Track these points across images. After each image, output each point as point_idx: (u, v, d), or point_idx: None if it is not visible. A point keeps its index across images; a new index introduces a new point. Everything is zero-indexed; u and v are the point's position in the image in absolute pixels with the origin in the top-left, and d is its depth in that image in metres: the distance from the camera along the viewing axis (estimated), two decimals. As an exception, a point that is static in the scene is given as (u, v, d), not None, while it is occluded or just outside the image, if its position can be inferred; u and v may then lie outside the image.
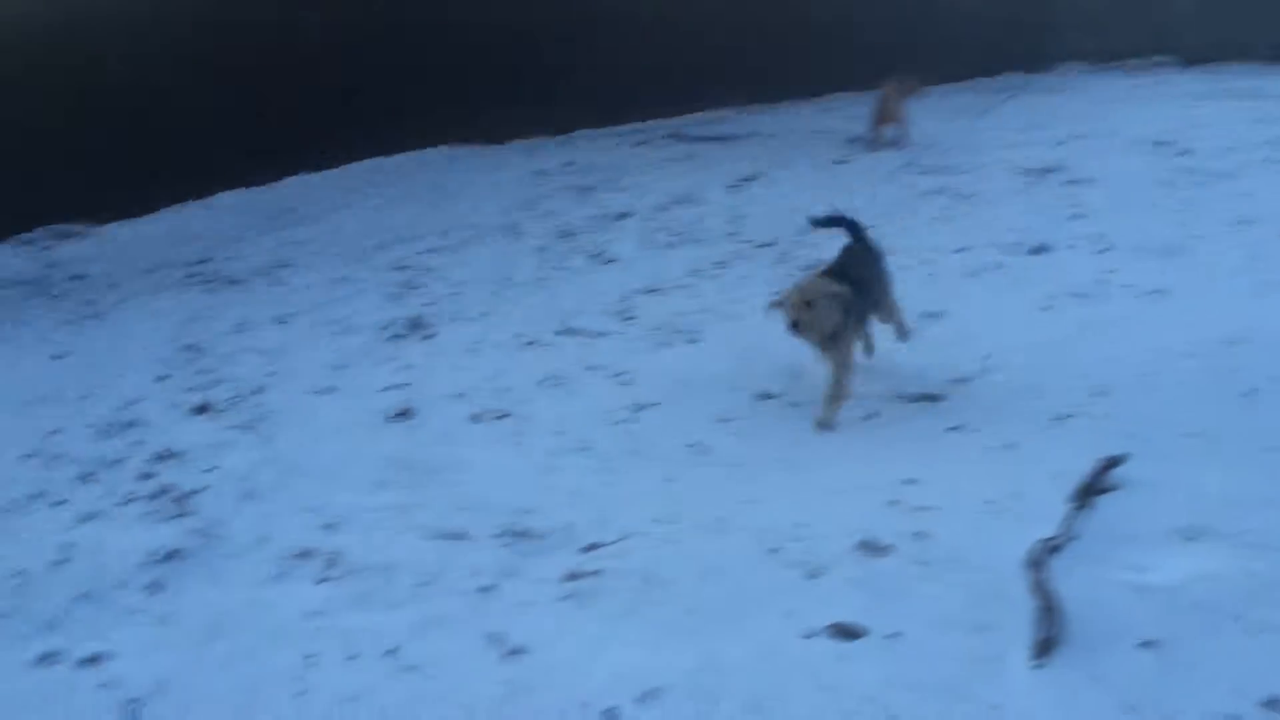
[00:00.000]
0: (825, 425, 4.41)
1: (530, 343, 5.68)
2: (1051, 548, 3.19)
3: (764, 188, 9.24)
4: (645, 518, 3.71)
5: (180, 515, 4.05)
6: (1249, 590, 2.95)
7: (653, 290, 6.40)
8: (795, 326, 4.37)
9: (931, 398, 4.62)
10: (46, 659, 3.22)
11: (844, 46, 16.50)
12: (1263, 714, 2.49)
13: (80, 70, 8.87)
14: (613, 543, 3.57)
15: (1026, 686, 2.68)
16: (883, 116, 10.50)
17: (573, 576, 3.38)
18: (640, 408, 4.73)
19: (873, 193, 8.87)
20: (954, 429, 4.28)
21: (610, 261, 7.08)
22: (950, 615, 2.97)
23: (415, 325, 6.06)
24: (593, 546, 3.55)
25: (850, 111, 14.08)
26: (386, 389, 5.19)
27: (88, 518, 4.11)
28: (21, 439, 4.97)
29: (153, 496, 4.23)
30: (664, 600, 3.22)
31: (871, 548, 3.37)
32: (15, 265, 8.22)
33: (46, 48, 8.79)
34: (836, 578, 3.23)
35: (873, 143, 10.95)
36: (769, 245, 7.29)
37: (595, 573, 3.40)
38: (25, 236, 8.68)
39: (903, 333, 5.12)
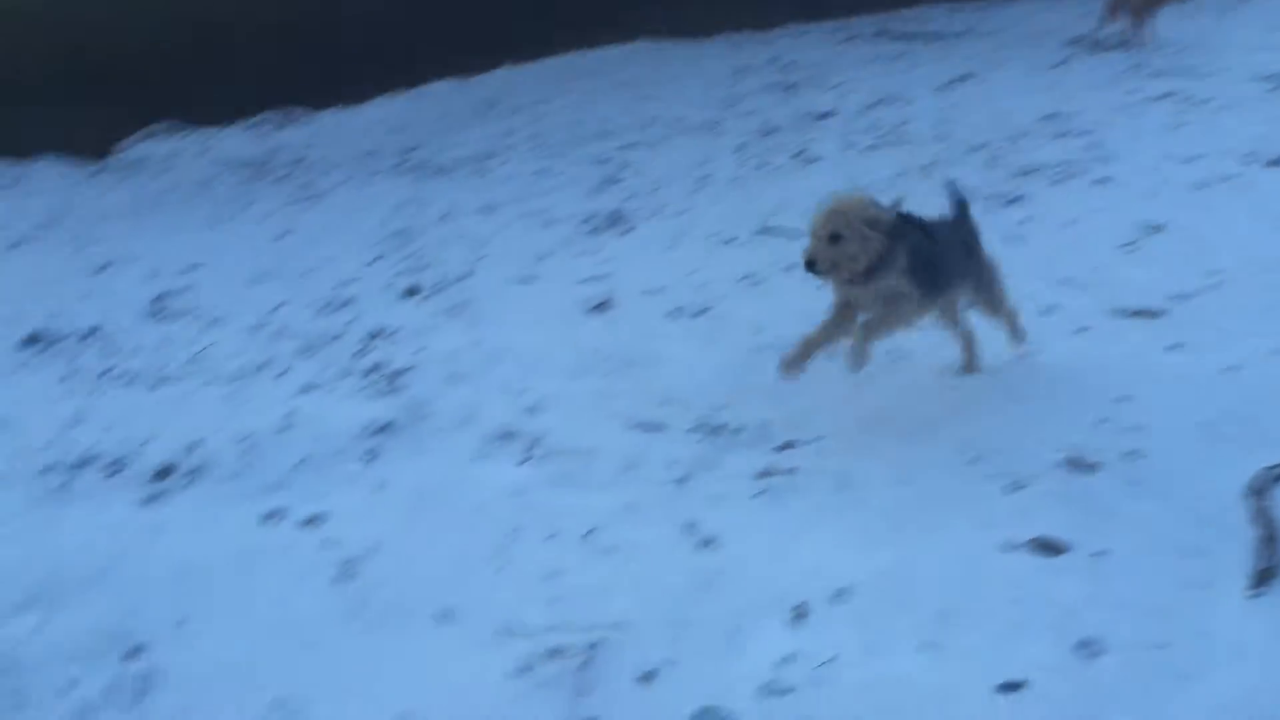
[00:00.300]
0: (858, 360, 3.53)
1: (728, 241, 5.65)
2: (1276, 476, 3.02)
3: (975, 89, 8.86)
4: (843, 420, 3.68)
5: (392, 392, 4.25)
6: None
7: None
8: (812, 266, 3.48)
9: (1150, 313, 4.38)
10: (272, 517, 3.46)
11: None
12: None
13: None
14: (809, 442, 3.57)
15: (1240, 615, 2.56)
16: (1115, 9, 9.69)
17: (768, 473, 3.40)
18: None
19: (1093, 97, 8.39)
20: (1173, 347, 4.06)
21: (812, 162, 6.95)
22: (1160, 538, 2.86)
23: (615, 219, 6.11)
24: (788, 445, 3.56)
25: (1072, 10, 13.27)
26: (586, 280, 5.27)
27: (308, 389, 4.36)
28: (248, 312, 5.29)
29: (366, 373, 4.45)
30: (859, 502, 3.21)
31: (1078, 464, 3.26)
32: (242, 148, 8.68)
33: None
34: (1039, 492, 3.14)
35: (1098, 44, 10.29)
36: (979, 149, 7.01)
37: (790, 470, 3.41)
38: (250, 121, 9.13)
39: (1017, 334, 4.06)
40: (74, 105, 8.51)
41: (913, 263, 3.55)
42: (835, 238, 3.46)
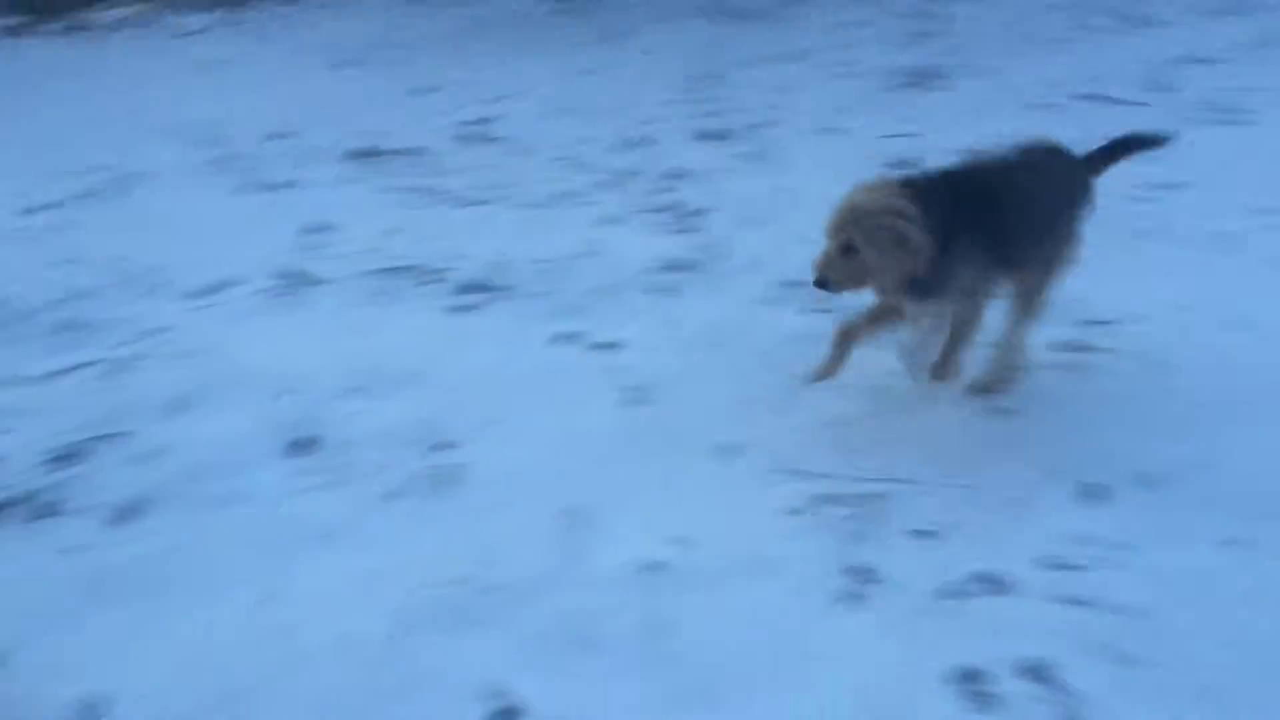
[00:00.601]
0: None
1: (1046, 105, 5.33)
2: None
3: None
4: (1160, 301, 3.46)
5: (687, 230, 4.30)
6: None
7: (1196, 60, 5.74)
8: (823, 284, 2.82)
9: None
10: (569, 338, 3.61)
11: None
12: None
13: None
14: (1120, 323, 3.38)
15: None
16: None
17: (1074, 348, 3.26)
18: (1166, 187, 4.33)
19: None
20: None
21: (1145, 25, 6.40)
22: None
23: (924, 75, 5.86)
24: (1099, 322, 3.39)
25: None
26: (890, 136, 5.11)
27: (608, 221, 4.47)
28: (553, 143, 5.44)
29: (663, 209, 4.52)
30: (1170, 390, 3.03)
31: None
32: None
33: None
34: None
35: None
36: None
37: (1096, 349, 3.25)
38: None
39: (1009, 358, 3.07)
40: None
41: (979, 255, 2.80)
42: (848, 250, 2.78)
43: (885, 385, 3.17)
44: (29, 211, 4.98)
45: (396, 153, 5.53)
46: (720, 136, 5.33)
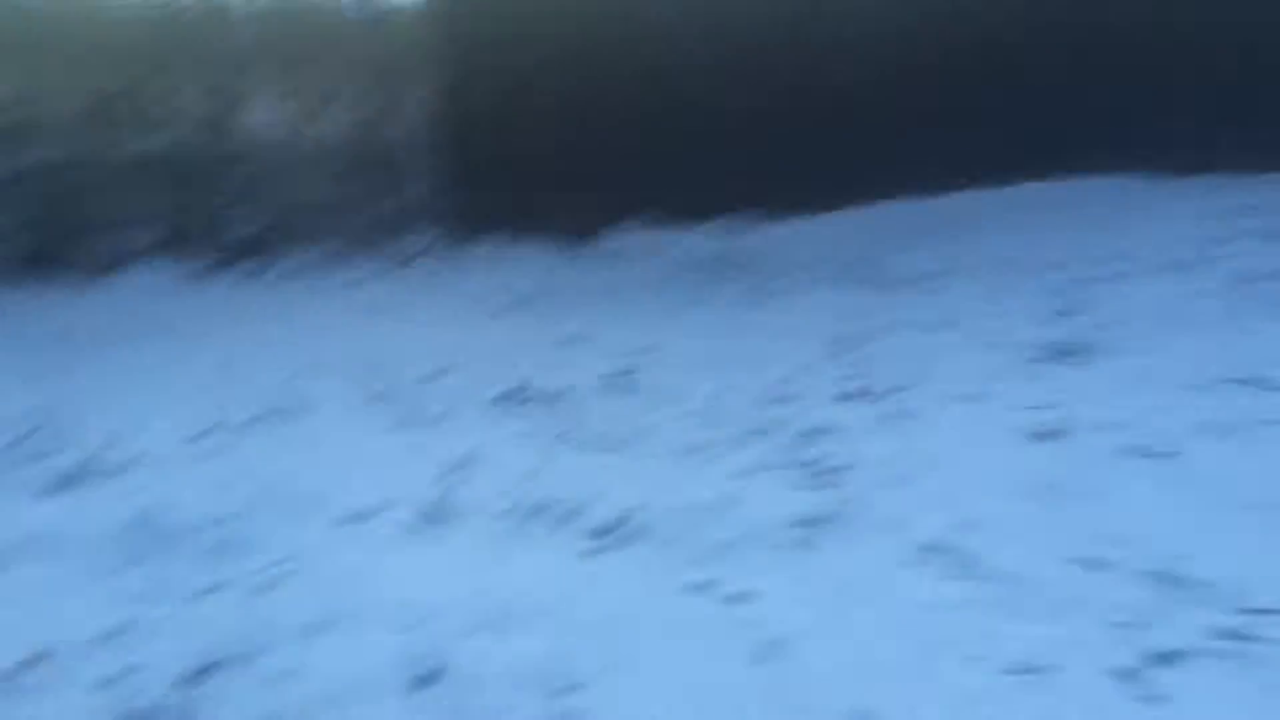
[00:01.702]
0: None
1: (1197, 386, 5.23)
2: None
3: None
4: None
5: (826, 486, 4.29)
6: None
7: None
8: None
9: None
10: (700, 587, 3.58)
11: None
12: None
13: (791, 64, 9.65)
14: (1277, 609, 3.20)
15: None
16: None
17: (1232, 635, 3.08)
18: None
19: None
20: None
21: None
22: None
23: (1067, 350, 5.85)
24: (1263, 611, 3.20)
25: None
26: (1033, 407, 5.07)
27: (746, 472, 4.50)
28: (695, 396, 5.56)
29: (802, 465, 4.53)
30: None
31: None
32: (702, 247, 9.23)
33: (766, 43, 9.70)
34: None
35: None
36: None
37: (1259, 639, 3.06)
38: (712, 224, 9.70)
39: None
40: (567, 189, 9.52)
41: None
42: None
43: (1024, 663, 3.03)
44: (199, 436, 5.27)
45: (542, 398, 5.72)
46: (861, 398, 5.37)
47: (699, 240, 9.46)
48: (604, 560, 3.83)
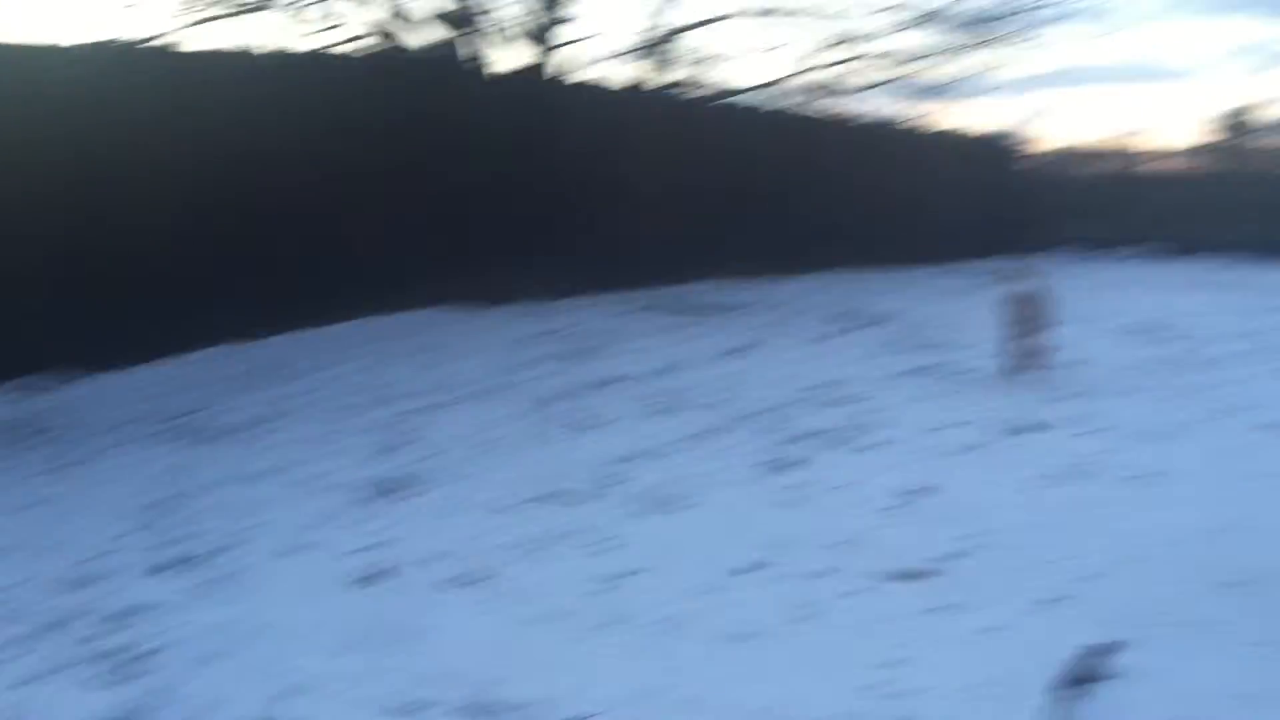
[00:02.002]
0: None
1: (510, 507, 5.57)
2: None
3: (754, 358, 9.31)
4: (621, 692, 3.55)
5: (130, 679, 3.86)
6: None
7: (640, 456, 6.34)
8: None
9: (915, 575, 4.50)
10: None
11: (828, 231, 17.09)
12: None
13: (83, 217, 8.95)
14: (594, 716, 3.41)
15: None
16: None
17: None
18: (620, 576, 4.59)
19: (861, 368, 8.93)
20: (936, 609, 4.15)
21: (598, 427, 7.04)
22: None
23: (392, 487, 5.95)
24: (569, 721, 3.39)
25: (839, 289, 14.33)
26: (360, 550, 5.05)
27: (34, 678, 3.92)
28: (-22, 591, 4.79)
29: (104, 657, 4.05)
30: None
31: (850, 733, 3.22)
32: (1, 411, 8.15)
33: (50, 199, 8.91)
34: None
35: (864, 319, 11.11)
36: (759, 415, 7.28)
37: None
38: (11, 383, 8.63)
39: None
40: None
41: None
42: None
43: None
44: None
45: None
46: (179, 567, 4.98)
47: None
48: None
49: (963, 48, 16.98)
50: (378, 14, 14.56)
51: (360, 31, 14.66)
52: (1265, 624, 3.90)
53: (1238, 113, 30.40)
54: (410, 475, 6.12)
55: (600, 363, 8.89)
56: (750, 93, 17.11)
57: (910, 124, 19.52)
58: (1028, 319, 8.27)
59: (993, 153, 22.66)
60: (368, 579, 4.71)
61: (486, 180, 12.04)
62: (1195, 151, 29.11)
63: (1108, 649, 3.61)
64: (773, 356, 9.35)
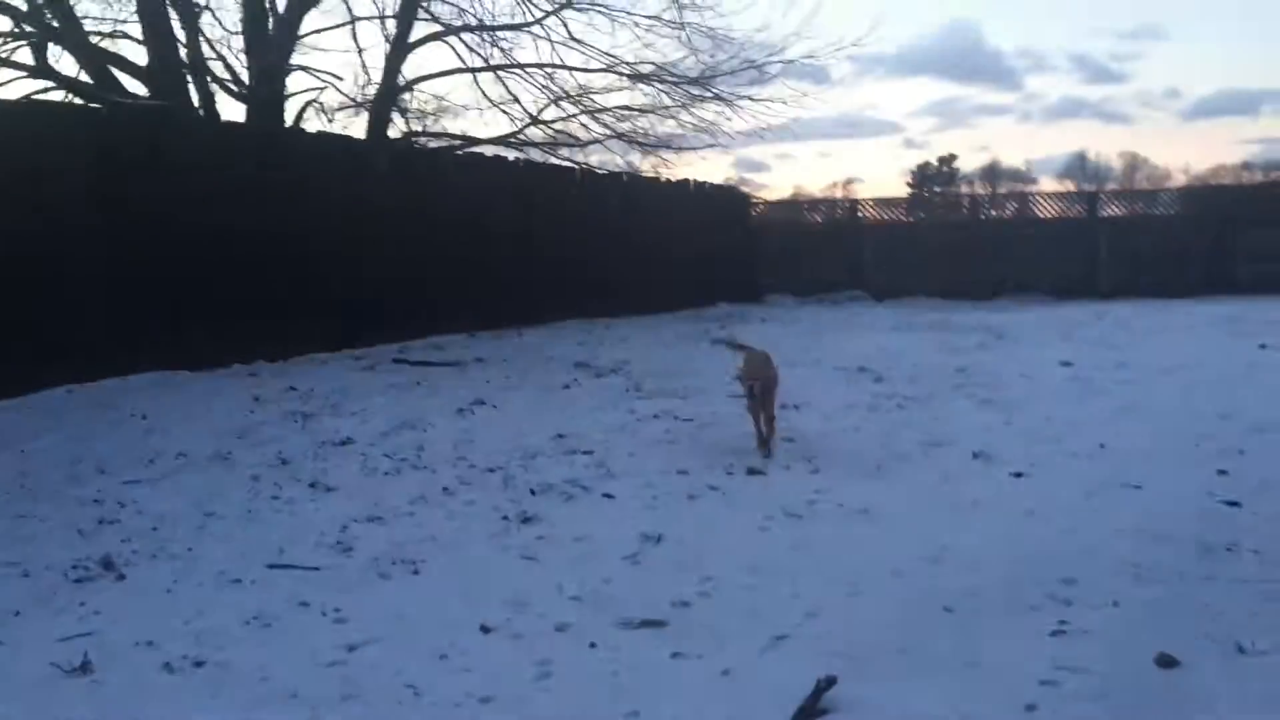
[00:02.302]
0: None
1: (236, 580, 5.30)
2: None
3: (491, 412, 9.27)
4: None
5: None
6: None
7: (373, 519, 6.18)
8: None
9: (654, 623, 4.58)
10: None
11: (571, 281, 17.38)
12: None
13: None
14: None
15: None
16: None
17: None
18: (354, 647, 4.44)
19: (598, 418, 9.04)
20: (676, 655, 4.24)
21: (329, 490, 6.82)
22: None
23: (107, 565, 5.54)
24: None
25: (574, 338, 14.52)
26: (67, 639, 4.66)
27: None
28: None
29: None
30: None
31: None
32: None
33: None
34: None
35: (599, 370, 11.30)
36: (496, 470, 7.24)
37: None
38: None
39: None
40: None
41: None
42: None
43: None
44: None
45: None
46: None
47: None
48: None
49: (686, 103, 17.67)
50: (94, 60, 13.81)
51: (75, 78, 13.86)
52: (973, 646, 4.19)
53: (931, 165, 33.01)
54: (126, 552, 5.72)
55: (331, 423, 8.62)
56: (489, 144, 17.20)
57: (644, 175, 20.12)
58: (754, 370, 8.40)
59: (723, 202, 23.69)
60: (76, 671, 4.35)
61: (211, 235, 11.52)
62: (904, 201, 31.40)
63: (829, 682, 3.79)
64: (510, 409, 9.34)
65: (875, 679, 3.88)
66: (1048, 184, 71.59)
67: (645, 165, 20.18)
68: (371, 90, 16.42)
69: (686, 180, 21.64)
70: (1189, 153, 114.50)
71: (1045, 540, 5.54)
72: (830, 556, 5.40)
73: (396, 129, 16.65)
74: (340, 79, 19.87)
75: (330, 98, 21.20)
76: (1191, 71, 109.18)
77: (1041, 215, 24.41)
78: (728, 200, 24.14)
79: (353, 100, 16.70)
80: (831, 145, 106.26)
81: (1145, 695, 3.73)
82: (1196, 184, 48.55)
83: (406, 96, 16.81)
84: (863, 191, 78.78)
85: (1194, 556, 5.20)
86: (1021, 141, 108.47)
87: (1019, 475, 6.95)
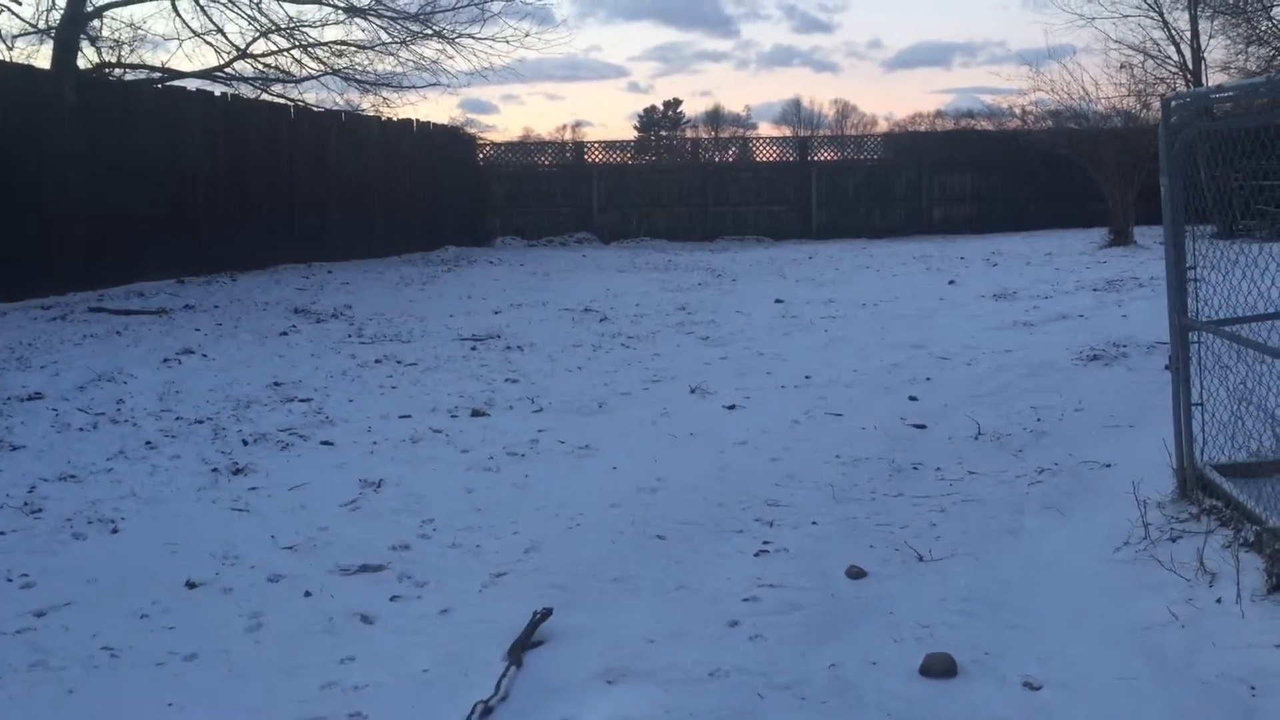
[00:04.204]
0: None
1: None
2: (485, 710, 3.19)
3: (201, 361, 8.82)
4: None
5: None
6: (666, 722, 3.14)
7: (66, 478, 5.76)
8: None
9: (373, 568, 4.52)
10: None
11: (288, 224, 16.67)
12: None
13: None
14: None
15: None
16: None
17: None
18: (43, 612, 4.14)
19: (318, 364, 8.79)
20: (394, 598, 4.20)
21: (17, 449, 6.30)
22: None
23: None
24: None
25: (294, 283, 14.04)
26: None
27: None
28: None
29: None
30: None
31: (310, 735, 3.17)
32: None
33: None
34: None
35: (319, 314, 10.95)
36: (203, 422, 6.91)
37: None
38: None
39: None
40: None
41: None
42: None
43: None
44: None
45: None
46: None
47: None
48: None
49: (406, 40, 17.23)
50: None
51: None
52: (684, 570, 4.37)
53: (657, 109, 33.66)
54: None
55: (23, 375, 7.96)
56: (193, 78, 16.17)
57: (364, 114, 19.49)
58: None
59: (450, 143, 23.26)
60: None
61: None
62: (631, 144, 31.85)
63: (549, 613, 3.86)
64: (223, 358, 8.90)
65: (589, 607, 3.99)
66: (766, 129, 74.39)
67: (366, 104, 19.60)
68: (56, 16, 15.09)
69: (410, 120, 21.11)
70: (892, 101, 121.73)
71: (754, 468, 5.81)
72: (551, 493, 5.48)
73: (86, 59, 15.39)
74: (20, 3, 18.15)
75: (8, 23, 19.37)
76: (892, 24, 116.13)
77: (759, 159, 25.33)
78: (453, 141, 23.73)
79: (33, 26, 15.30)
80: (560, 88, 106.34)
81: (837, 605, 4.00)
82: (897, 130, 51.80)
83: (96, 24, 15.54)
84: (591, 135, 79.40)
85: (885, 476, 5.60)
86: (741, 88, 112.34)
87: (732, 408, 7.25)
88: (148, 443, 6.44)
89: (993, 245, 19.23)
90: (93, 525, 5.10)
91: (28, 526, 5.09)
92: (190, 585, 4.38)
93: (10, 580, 4.46)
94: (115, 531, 5.05)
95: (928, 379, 7.94)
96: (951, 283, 13.87)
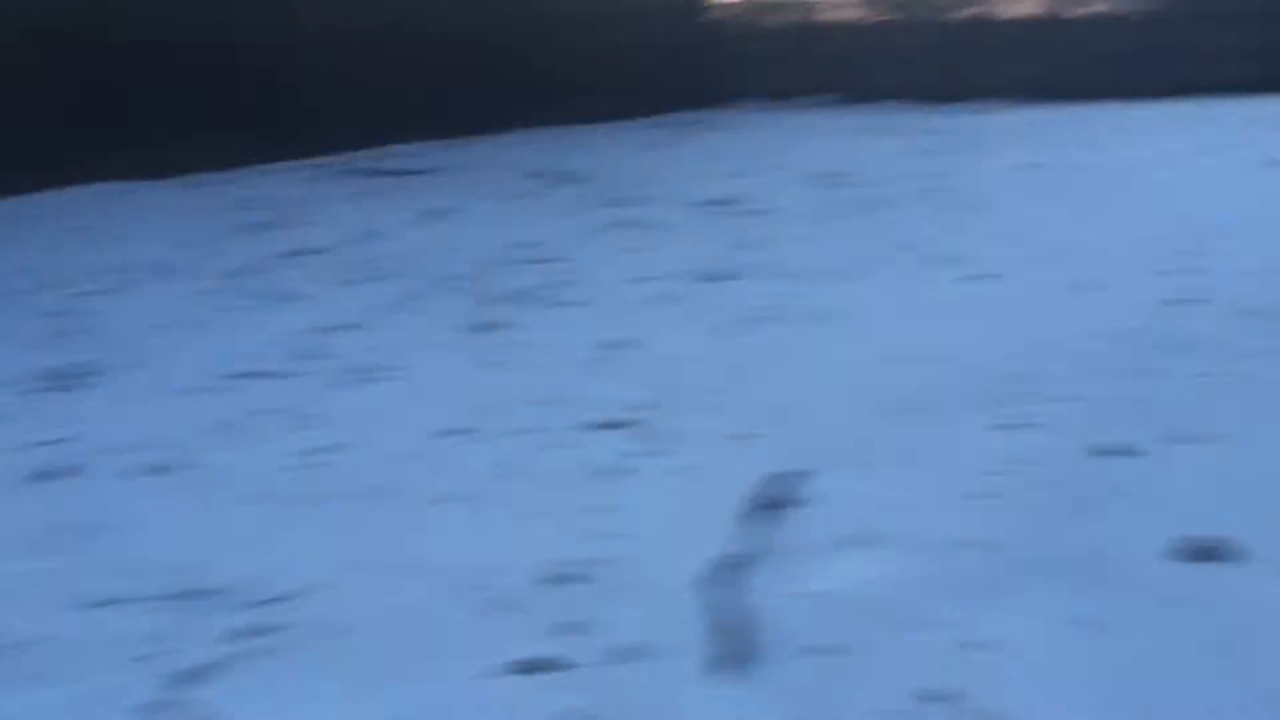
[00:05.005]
0: None
1: (201, 389, 5.32)
2: (729, 565, 3.28)
3: (451, 221, 9.19)
4: (331, 564, 3.52)
5: None
6: (912, 590, 3.15)
7: (337, 328, 6.18)
8: None
9: (615, 425, 4.67)
10: None
11: (526, 84, 16.88)
12: (919, 706, 2.63)
13: None
14: (297, 593, 3.37)
15: (701, 704, 2.70)
16: None
17: (254, 632, 3.15)
18: (322, 450, 4.51)
19: (557, 225, 9.01)
20: (639, 454, 4.34)
21: (290, 300, 6.79)
22: (630, 641, 2.97)
23: (70, 374, 5.55)
24: (275, 599, 3.33)
25: (530, 146, 14.31)
26: (38, 445, 4.70)
27: None
28: None
29: None
30: (354, 651, 3.05)
31: (557, 578, 3.34)
32: None
33: None
34: (522, 613, 3.17)
35: (559, 175, 11.11)
36: (456, 279, 7.23)
37: (278, 627, 3.18)
38: None
39: None
40: None
41: None
42: None
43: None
44: None
45: None
46: None
47: None
48: None
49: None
50: None
51: None
52: (927, 443, 4.32)
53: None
54: (89, 362, 5.72)
55: (289, 233, 8.53)
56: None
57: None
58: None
59: (675, 4, 22.84)
60: (48, 474, 4.41)
61: (145, 43, 11.08)
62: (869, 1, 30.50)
63: (793, 476, 3.91)
64: (469, 219, 9.26)
65: (833, 473, 4.02)
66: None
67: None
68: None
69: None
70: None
71: (1008, 340, 5.62)
72: (795, 359, 5.48)
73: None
74: None
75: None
76: None
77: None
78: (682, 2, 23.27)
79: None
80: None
81: (1089, 482, 3.88)
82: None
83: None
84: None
85: (1149, 352, 5.32)
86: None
87: (984, 277, 6.99)
88: (408, 296, 6.81)
89: None
90: (362, 373, 5.47)
91: (304, 372, 5.51)
92: (447, 434, 4.65)
93: (294, 421, 4.86)
94: (384, 379, 5.39)
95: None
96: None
